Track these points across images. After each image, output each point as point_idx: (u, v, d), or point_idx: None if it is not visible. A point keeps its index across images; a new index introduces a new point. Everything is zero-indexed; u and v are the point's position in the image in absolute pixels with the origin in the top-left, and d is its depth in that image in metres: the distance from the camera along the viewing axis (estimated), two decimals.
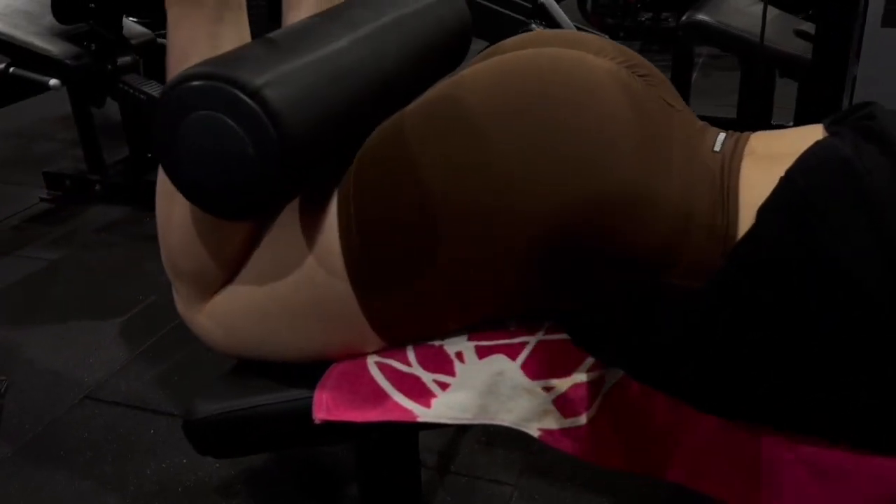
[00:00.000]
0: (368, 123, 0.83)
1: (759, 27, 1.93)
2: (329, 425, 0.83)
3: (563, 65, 0.80)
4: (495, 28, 1.72)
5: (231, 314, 0.91)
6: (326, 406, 0.84)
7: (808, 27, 1.95)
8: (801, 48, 1.88)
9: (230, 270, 0.91)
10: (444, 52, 1.03)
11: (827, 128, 0.81)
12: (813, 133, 0.80)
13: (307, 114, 0.74)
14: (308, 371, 0.87)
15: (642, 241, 0.73)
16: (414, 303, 0.82)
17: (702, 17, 1.82)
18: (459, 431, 1.55)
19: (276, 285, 0.87)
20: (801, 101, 2.07)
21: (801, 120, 1.99)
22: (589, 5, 3.32)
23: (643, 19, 3.08)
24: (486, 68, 0.81)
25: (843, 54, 1.35)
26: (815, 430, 0.75)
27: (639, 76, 0.86)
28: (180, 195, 0.81)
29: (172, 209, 0.90)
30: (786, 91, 2.40)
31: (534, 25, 1.74)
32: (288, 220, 0.88)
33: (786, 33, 1.81)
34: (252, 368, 0.92)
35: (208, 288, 0.92)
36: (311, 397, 0.84)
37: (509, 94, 0.77)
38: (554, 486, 1.43)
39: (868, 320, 0.67)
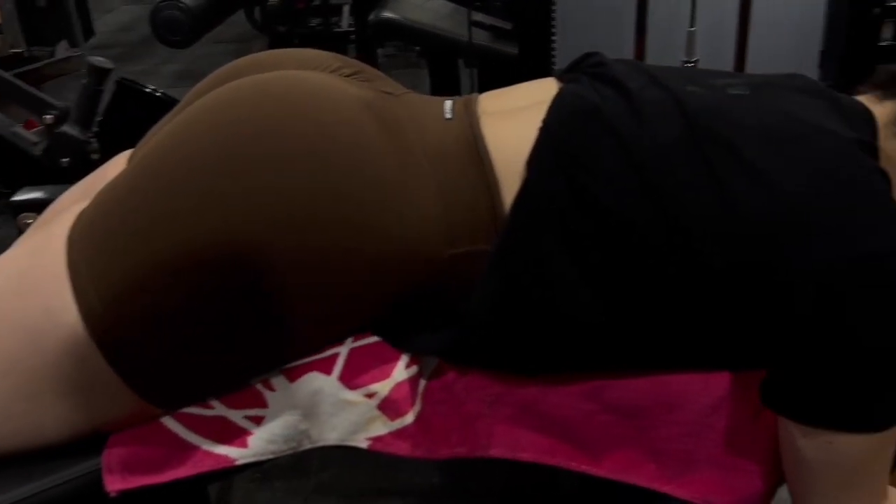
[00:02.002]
0: None
1: (441, 21, 2.04)
2: (127, 496, 0.72)
3: (274, 90, 0.78)
4: None
5: None
6: (121, 475, 0.72)
7: (483, 17, 2.09)
8: (481, 38, 2.01)
9: None
10: None
11: (563, 77, 0.86)
12: (544, 85, 0.86)
13: None
14: (87, 440, 0.74)
15: (407, 232, 0.73)
16: (186, 367, 0.73)
17: (390, 14, 1.86)
18: (229, 472, 1.44)
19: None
20: (483, 85, 2.23)
21: None
22: (258, 14, 3.25)
23: (313, 25, 3.09)
24: (199, 115, 0.77)
25: (545, 42, 1.47)
26: (620, 366, 0.79)
27: (349, 76, 0.86)
28: None
29: None
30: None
31: None
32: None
33: (463, 25, 1.92)
34: None
35: None
36: (100, 468, 0.72)
37: (235, 135, 0.73)
38: (343, 501, 1.38)
39: (642, 253, 0.72)
